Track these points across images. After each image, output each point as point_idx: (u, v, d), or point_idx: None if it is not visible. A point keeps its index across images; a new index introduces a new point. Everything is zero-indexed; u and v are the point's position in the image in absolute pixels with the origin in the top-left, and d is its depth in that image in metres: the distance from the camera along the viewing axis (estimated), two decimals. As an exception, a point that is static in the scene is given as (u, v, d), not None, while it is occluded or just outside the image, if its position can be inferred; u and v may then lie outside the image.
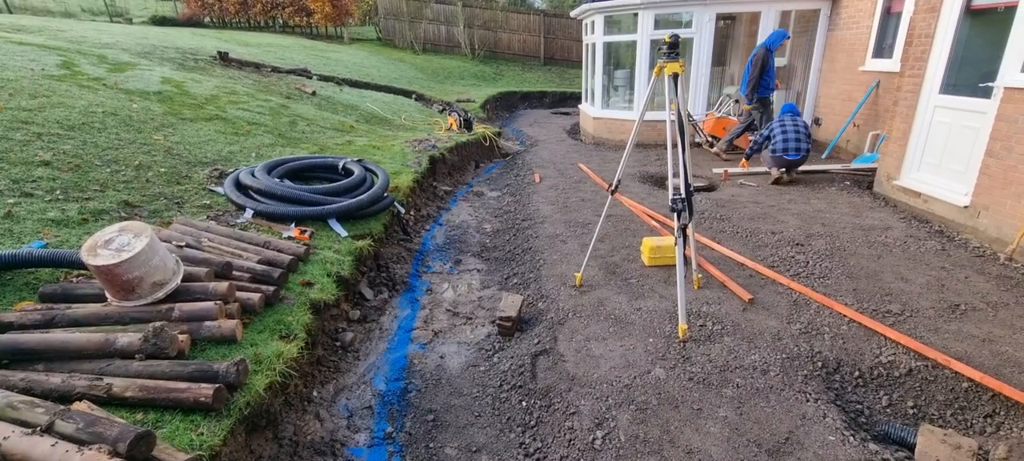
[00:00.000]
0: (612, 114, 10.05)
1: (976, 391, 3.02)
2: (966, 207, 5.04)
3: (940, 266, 4.39)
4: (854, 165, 7.25)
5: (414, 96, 13.28)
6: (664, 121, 9.48)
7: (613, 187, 3.77)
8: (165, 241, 3.36)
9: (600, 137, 10.29)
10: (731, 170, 7.31)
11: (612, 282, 4.25)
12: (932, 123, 5.54)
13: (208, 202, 4.29)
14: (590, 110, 10.59)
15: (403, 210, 5.20)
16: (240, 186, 4.40)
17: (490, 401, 3.06)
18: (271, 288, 3.04)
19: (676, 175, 3.33)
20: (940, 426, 2.94)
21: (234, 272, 3.12)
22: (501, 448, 2.72)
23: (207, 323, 2.60)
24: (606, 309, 3.82)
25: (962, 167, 5.17)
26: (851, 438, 2.61)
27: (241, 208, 4.18)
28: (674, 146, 3.32)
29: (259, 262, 3.28)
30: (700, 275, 4.15)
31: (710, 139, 8.85)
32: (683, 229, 3.28)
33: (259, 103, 7.70)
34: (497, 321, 3.69)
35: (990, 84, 4.77)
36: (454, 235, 5.76)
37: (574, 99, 17.59)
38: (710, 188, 6.84)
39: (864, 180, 6.77)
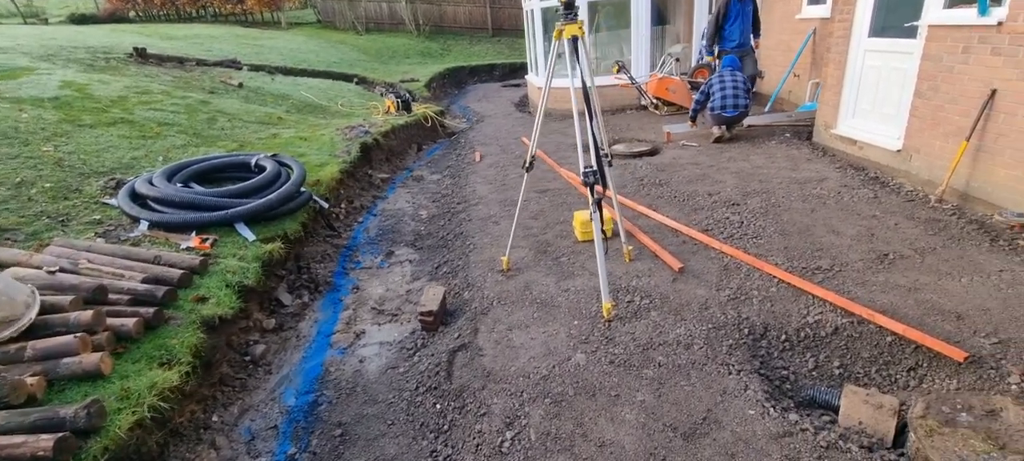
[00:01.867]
0: (556, 83, 9.75)
1: (900, 345, 2.98)
2: (899, 151, 5.03)
3: (871, 215, 4.37)
4: (795, 114, 7.22)
5: (355, 80, 12.70)
6: (609, 86, 9.30)
7: (527, 164, 3.56)
8: (35, 267, 3.02)
9: (547, 108, 10.02)
10: (674, 130, 7.19)
11: (542, 262, 4.09)
12: (863, 67, 5.48)
13: (99, 217, 3.91)
14: (535, 80, 10.29)
15: (326, 205, 4.89)
16: (135, 196, 4.03)
17: (405, 406, 2.88)
18: (151, 310, 2.75)
19: (586, 147, 3.13)
20: (864, 385, 2.90)
21: (110, 296, 2.82)
22: (411, 458, 2.54)
23: (66, 359, 2.32)
24: (532, 293, 3.66)
25: (893, 110, 5.14)
26: (771, 410, 2.53)
27: (135, 220, 3.82)
28: (582, 115, 3.10)
29: (143, 281, 2.98)
30: (630, 247, 4.02)
31: (655, 101, 8.70)
32: (598, 203, 3.10)
33: (174, 102, 7.16)
34: (418, 316, 3.49)
35: (915, 23, 4.70)
36: (388, 225, 5.49)
37: (524, 70, 17.19)
38: (653, 152, 6.71)
39: (805, 131, 6.73)
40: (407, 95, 9.60)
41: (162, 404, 2.33)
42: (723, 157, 6.16)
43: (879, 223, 4.23)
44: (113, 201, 4.03)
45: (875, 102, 5.39)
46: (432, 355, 3.22)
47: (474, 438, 2.50)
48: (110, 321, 2.61)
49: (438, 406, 2.81)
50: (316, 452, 2.63)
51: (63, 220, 3.77)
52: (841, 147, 5.81)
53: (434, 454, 2.54)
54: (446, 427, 2.68)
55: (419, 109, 9.45)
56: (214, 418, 2.81)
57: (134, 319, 2.64)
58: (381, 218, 5.70)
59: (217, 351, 3.02)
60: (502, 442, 2.43)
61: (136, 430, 2.21)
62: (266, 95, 9.14)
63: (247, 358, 3.29)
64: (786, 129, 7.00)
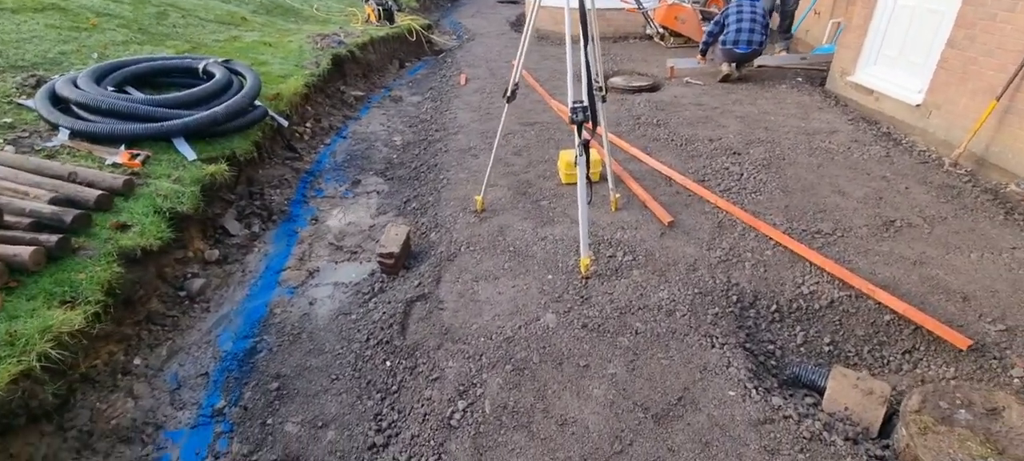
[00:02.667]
0: (553, 1, 8.90)
1: (898, 324, 2.73)
2: (918, 106, 4.60)
3: (881, 176, 4.01)
4: (811, 57, 6.64)
5: (340, -19, 11.52)
6: (613, 10, 8.47)
7: (508, 93, 3.08)
8: (-77, 178, 2.57)
9: (544, 29, 9.22)
10: (679, 65, 6.60)
11: (520, 204, 3.71)
12: (896, 7, 4.90)
13: (11, 120, 3.38)
14: (533, -3, 9.38)
15: (284, 122, 4.38)
16: (56, 99, 3.49)
17: (353, 360, 2.59)
18: (54, 238, 2.36)
19: (577, 77, 2.65)
20: (855, 365, 2.67)
21: (6, 217, 2.41)
22: (353, 421, 2.29)
23: (-64, 296, 1.95)
24: (506, 239, 3.31)
25: (921, 59, 4.65)
26: (753, 392, 2.29)
27: (54, 128, 3.32)
28: (575, 41, 2.60)
29: (51, 202, 2.56)
30: (619, 195, 3.64)
31: (661, 31, 7.98)
32: (585, 145, 2.67)
33: (123, -11, 6.31)
34: (377, 257, 3.15)
35: (963, -40, 4.11)
36: (358, 150, 5.01)
37: (526, -16, 15.86)
38: (653, 88, 6.17)
39: (818, 76, 6.20)
40: (391, 4, 8.70)
41: (59, 352, 2.00)
42: (729, 99, 5.66)
43: (888, 186, 3.88)
44: (29, 102, 3.49)
45: (903, 48, 4.87)
46: (388, 303, 2.91)
47: (422, 405, 2.24)
48: (1, 249, 2.21)
49: (388, 363, 2.53)
50: (247, 407, 2.36)
51: (-33, 121, 3.26)
52: (856, 97, 5.34)
53: (378, 418, 2.28)
54: (395, 388, 2.41)
55: (404, 21, 8.60)
56: (136, 361, 2.51)
57: (31, 248, 2.25)
58: (351, 141, 5.20)
59: (141, 286, 2.66)
60: (452, 413, 2.16)
61: (22, 381, 1.89)
62: (233, -9, 8.19)
63: (182, 293, 2.95)
64: (799, 72, 6.45)
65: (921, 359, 2.64)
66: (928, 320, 2.64)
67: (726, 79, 6.12)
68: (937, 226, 3.42)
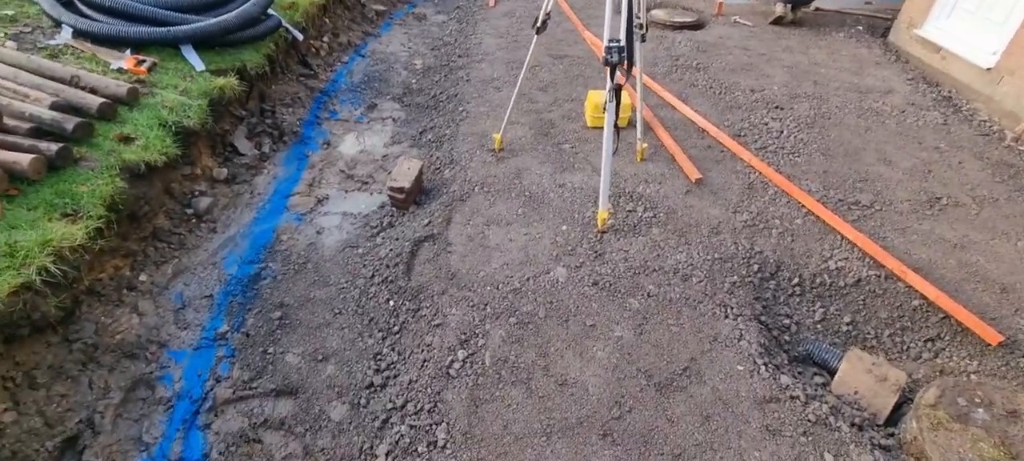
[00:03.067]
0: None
1: (925, 311, 2.58)
2: (989, 70, 4.16)
3: (934, 146, 3.69)
4: (876, 3, 6.01)
5: None
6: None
7: (537, 23, 2.81)
8: (-75, 71, 2.48)
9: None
10: (728, 0, 6.03)
11: (540, 146, 3.52)
12: (984, -46, 4.31)
13: (12, 13, 3.24)
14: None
15: (299, 36, 4.14)
16: (59, -7, 3.31)
17: (356, 296, 2.56)
18: (54, 147, 2.28)
19: (617, 9, 2.38)
20: (872, 349, 2.56)
21: (5, 120, 2.33)
22: (353, 357, 2.28)
23: (-65, 200, 1.92)
24: (522, 183, 3.16)
25: (1003, 16, 4.14)
26: (762, 368, 2.21)
27: (58, 24, 3.16)
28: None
29: (52, 107, 2.46)
30: (646, 145, 3.42)
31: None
32: (616, 91, 2.44)
33: None
34: (387, 191, 3.04)
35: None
36: (376, 71, 4.77)
37: None
38: (697, 25, 5.68)
39: (881, 26, 5.63)
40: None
41: (60, 267, 1.98)
42: (778, 45, 5.19)
43: (940, 158, 3.58)
44: (33, -5, 3.32)
45: (982, 1, 4.33)
46: (396, 240, 2.83)
47: (422, 350, 2.21)
48: (0, 155, 2.15)
49: (392, 303, 2.49)
50: (249, 334, 2.36)
51: (-33, 12, 3.13)
52: (920, 53, 4.84)
53: (378, 357, 2.27)
54: (397, 329, 2.38)
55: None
56: (142, 278, 2.51)
57: (31, 156, 2.18)
58: (369, 61, 4.95)
59: (147, 202, 2.61)
60: (451, 362, 2.13)
61: (23, 293, 1.88)
62: None
63: (189, 211, 2.91)
64: (860, 19, 5.85)
65: (944, 349, 2.52)
66: (960, 310, 2.49)
67: (778, 21, 5.59)
68: (986, 208, 3.16)
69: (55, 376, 2.00)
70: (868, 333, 2.61)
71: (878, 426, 2.22)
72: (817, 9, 5.89)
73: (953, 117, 4.07)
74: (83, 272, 2.17)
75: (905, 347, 2.57)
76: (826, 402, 2.19)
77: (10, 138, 2.26)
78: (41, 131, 2.37)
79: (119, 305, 2.34)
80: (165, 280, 2.57)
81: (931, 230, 2.98)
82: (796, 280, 2.72)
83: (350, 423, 2.02)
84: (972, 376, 2.40)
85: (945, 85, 4.52)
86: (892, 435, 2.19)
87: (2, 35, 2.97)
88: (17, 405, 1.84)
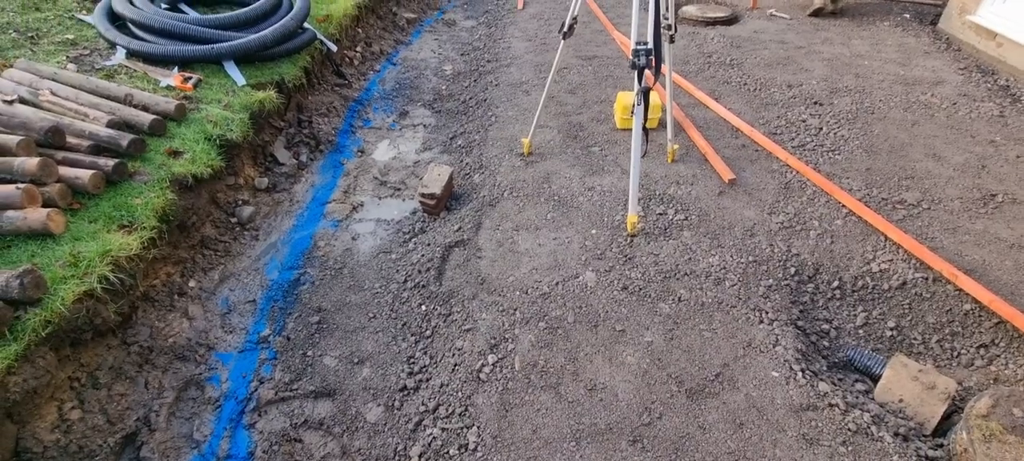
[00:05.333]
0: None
1: (977, 315, 2.45)
2: (1051, 56, 3.89)
3: (989, 139, 3.49)
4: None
5: None
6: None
7: (564, 28, 2.81)
8: (-2, 94, 2.70)
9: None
10: (762, -6, 5.85)
11: (569, 149, 3.52)
12: (1045, -68, 4.04)
13: (73, 37, 3.48)
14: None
15: (333, 47, 4.28)
16: (113, 16, 3.53)
17: (390, 300, 2.64)
18: (111, 163, 2.45)
19: (644, 8, 2.36)
20: (919, 355, 2.44)
21: (69, 139, 2.52)
22: (388, 360, 2.36)
23: (8, 213, 2.09)
24: (551, 187, 3.17)
25: (1065, -1, 3.87)
26: (799, 375, 2.15)
27: (112, 46, 3.38)
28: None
29: (108, 124, 2.64)
30: (677, 145, 3.37)
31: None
32: (645, 94, 2.42)
33: None
34: (419, 197, 3.11)
35: None
36: (407, 78, 4.88)
37: None
38: (731, 20, 5.54)
39: (930, 12, 5.34)
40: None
41: (117, 275, 2.13)
42: (817, 37, 5.01)
43: (996, 152, 3.38)
44: (89, 19, 3.56)
45: (1044, -17, 4.05)
46: (428, 245, 2.90)
47: (453, 355, 2.26)
48: (63, 171, 2.33)
49: (424, 308, 2.55)
50: (290, 337, 2.47)
51: (33, 36, 3.37)
52: (974, 41, 4.58)
53: (411, 361, 2.33)
54: (429, 333, 2.44)
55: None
56: (192, 283, 2.66)
57: (91, 172, 2.35)
58: (400, 69, 5.06)
59: (195, 212, 2.77)
60: (482, 366, 2.17)
61: (86, 301, 2.03)
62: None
63: (233, 220, 3.06)
64: (907, 6, 5.58)
65: (998, 356, 2.38)
66: (1016, 315, 2.34)
67: (818, 13, 5.39)
68: (1049, 204, 2.97)
69: (115, 377, 2.15)
70: (915, 338, 2.50)
71: (925, 437, 2.13)
72: (860, -2, 5.65)
73: (1011, 108, 3.83)
74: (139, 279, 2.32)
75: (955, 354, 2.44)
76: (868, 410, 2.11)
77: (73, 155, 2.43)
78: (99, 148, 2.55)
79: (171, 310, 2.49)
80: (212, 286, 2.71)
81: (985, 229, 2.82)
82: (836, 283, 2.63)
83: (385, 425, 2.09)
84: (1031, 386, 2.26)
85: (1002, 73, 4.26)
86: (940, 446, 2.09)
87: (64, 58, 3.21)
88: (82, 404, 1.99)
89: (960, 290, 2.50)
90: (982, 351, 2.41)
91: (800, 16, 5.52)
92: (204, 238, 2.87)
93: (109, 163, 2.44)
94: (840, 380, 2.31)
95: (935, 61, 4.47)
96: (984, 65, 4.39)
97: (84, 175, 2.33)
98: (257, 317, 2.59)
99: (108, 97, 2.87)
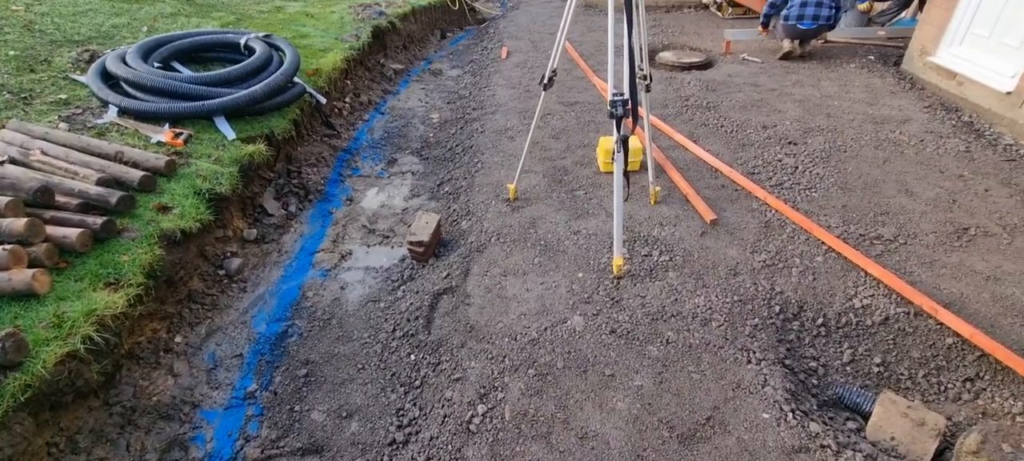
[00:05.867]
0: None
1: (960, 349, 2.49)
2: (1009, 93, 4.11)
3: (957, 174, 3.62)
4: (890, 29, 6.03)
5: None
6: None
7: (544, 80, 2.93)
8: (-13, 155, 2.73)
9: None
10: (736, 38, 6.14)
11: (554, 194, 3.59)
12: (992, -19, 4.33)
13: (66, 97, 3.54)
14: (583, -39, 8.90)
15: (322, 100, 4.39)
16: (106, 75, 3.61)
17: (379, 350, 2.62)
18: (99, 220, 2.46)
19: (619, 52, 2.47)
20: (907, 391, 2.47)
21: (58, 198, 2.53)
22: (376, 413, 2.32)
23: (-7, 277, 2.08)
24: (538, 232, 3.22)
25: (1017, 41, 4.11)
26: (789, 416, 2.15)
27: (105, 105, 3.44)
28: (629, 23, 2.39)
29: (98, 182, 2.66)
30: (659, 187, 3.46)
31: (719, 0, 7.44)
32: (623, 141, 2.52)
33: (175, -43, 6.42)
34: (407, 245, 3.14)
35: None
36: (395, 127, 4.99)
37: (577, -55, 15.08)
38: (706, 65, 5.79)
39: (894, 54, 5.63)
40: (435, -31, 8.47)
41: (102, 335, 2.10)
42: (788, 80, 5.24)
43: (965, 186, 3.51)
44: (82, 79, 3.64)
45: (996, 26, 4.32)
46: (416, 293, 2.90)
47: (443, 406, 2.24)
48: (51, 231, 2.33)
49: (413, 357, 2.54)
50: (276, 392, 2.43)
51: (26, 97, 3.42)
52: (935, 80, 4.82)
53: (400, 413, 2.30)
54: (418, 383, 2.42)
55: (447, -13, 8.39)
56: (177, 339, 2.62)
57: (78, 230, 2.36)
58: (388, 118, 5.18)
59: (182, 267, 2.76)
60: (471, 417, 2.15)
61: (69, 362, 2.00)
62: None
63: (221, 272, 3.06)
64: (871, 49, 5.88)
65: (985, 389, 2.41)
66: (998, 348, 2.39)
67: (787, 57, 5.66)
68: (1019, 236, 3.07)
69: (95, 440, 2.09)
70: (901, 374, 2.52)
71: (918, 474, 2.13)
72: (826, 41, 5.94)
73: (975, 143, 4.00)
74: (124, 338, 2.29)
75: (942, 388, 2.47)
76: (860, 450, 2.11)
77: (61, 214, 2.44)
78: (88, 205, 2.56)
79: (156, 367, 2.45)
80: (199, 340, 2.68)
81: (960, 262, 2.90)
82: (820, 320, 2.67)
83: (373, 482, 2.04)
84: (1017, 418, 2.28)
85: (965, 111, 4.47)
86: (934, 484, 2.09)
87: (56, 117, 3.25)
88: (60, 471, 1.92)
89: (942, 324, 2.55)
90: (968, 385, 2.44)
91: (771, 60, 5.78)
92: (191, 292, 2.85)
93: (97, 221, 2.45)
94: (831, 419, 2.31)
95: (901, 100, 4.69)
96: (947, 103, 4.60)
97: (72, 234, 2.34)
98: (244, 371, 2.55)
99: (99, 155, 2.90)
